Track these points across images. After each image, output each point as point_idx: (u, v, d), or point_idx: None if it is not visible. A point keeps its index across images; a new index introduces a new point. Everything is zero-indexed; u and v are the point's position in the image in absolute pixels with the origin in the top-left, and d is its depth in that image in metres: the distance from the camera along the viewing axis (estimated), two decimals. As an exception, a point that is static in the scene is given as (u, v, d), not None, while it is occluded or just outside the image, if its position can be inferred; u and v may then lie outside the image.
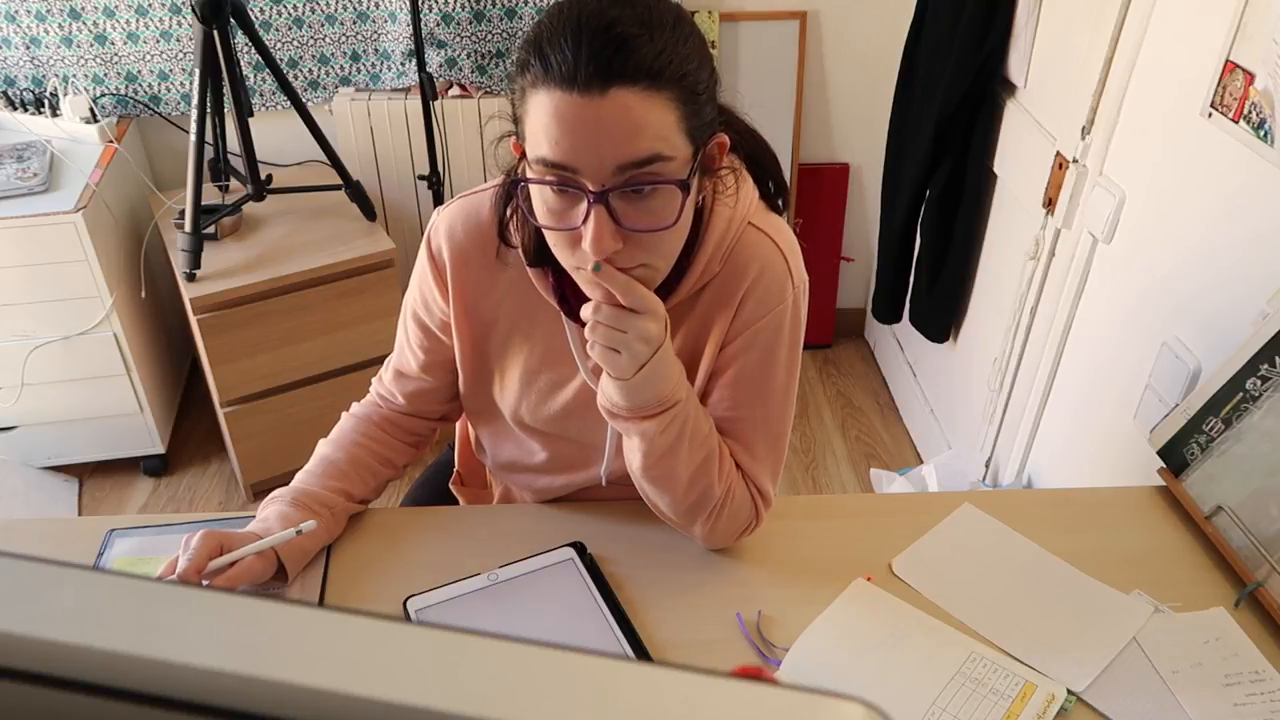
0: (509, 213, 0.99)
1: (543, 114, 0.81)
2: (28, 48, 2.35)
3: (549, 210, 0.86)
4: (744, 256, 0.99)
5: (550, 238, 0.89)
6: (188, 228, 2.02)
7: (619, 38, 0.78)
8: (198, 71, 1.96)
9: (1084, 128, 1.64)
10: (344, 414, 1.19)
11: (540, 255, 0.98)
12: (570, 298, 0.99)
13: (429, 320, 1.09)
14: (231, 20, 1.97)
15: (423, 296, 1.08)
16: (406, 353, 1.14)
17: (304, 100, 2.21)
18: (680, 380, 0.96)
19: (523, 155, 0.87)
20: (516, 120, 0.87)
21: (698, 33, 0.86)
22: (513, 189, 0.93)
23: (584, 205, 0.83)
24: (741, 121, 1.02)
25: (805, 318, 1.05)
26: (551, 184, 0.84)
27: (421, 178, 2.42)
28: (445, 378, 1.14)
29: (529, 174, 0.86)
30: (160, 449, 2.41)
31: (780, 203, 1.06)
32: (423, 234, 1.07)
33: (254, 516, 1.06)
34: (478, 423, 1.18)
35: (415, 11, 2.17)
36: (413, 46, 2.25)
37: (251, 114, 2.15)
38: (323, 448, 1.15)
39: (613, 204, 0.83)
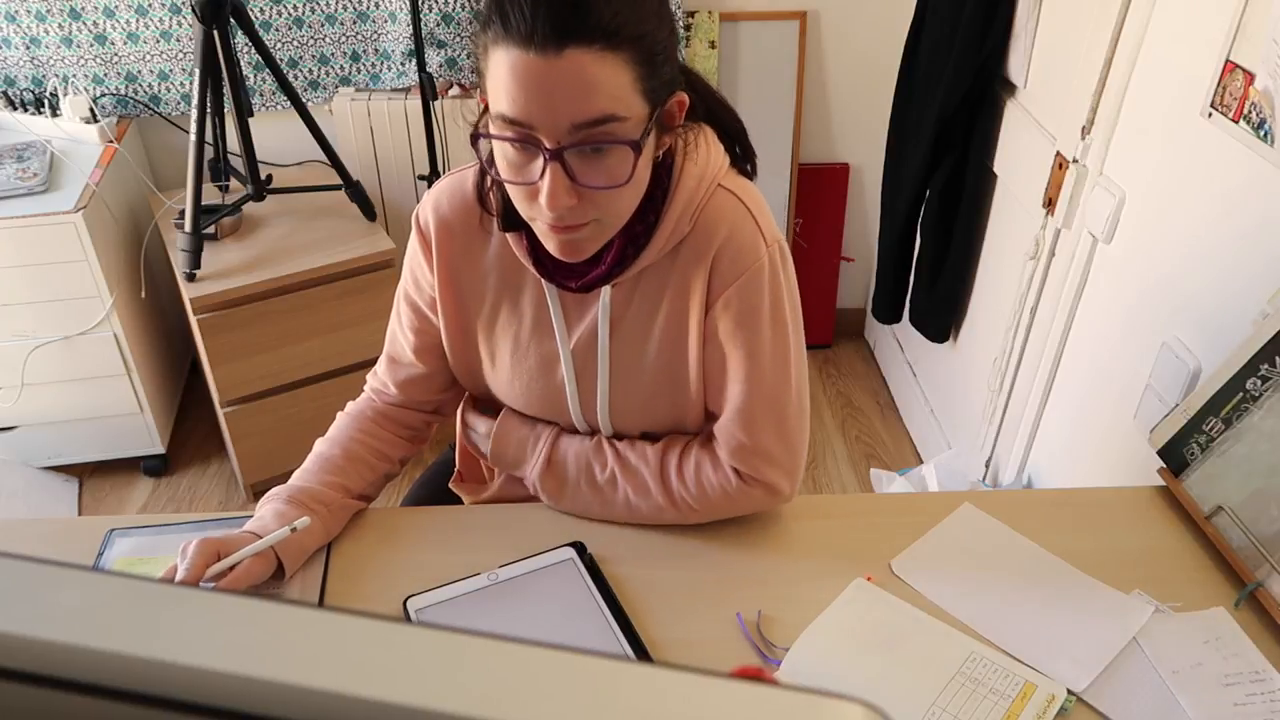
0: (488, 181, 1.01)
1: (502, 71, 0.82)
2: (28, 48, 2.35)
3: (509, 164, 0.88)
4: (712, 217, 0.99)
5: (512, 191, 0.92)
6: (188, 228, 2.02)
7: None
8: (198, 71, 1.96)
9: (1084, 128, 1.64)
10: (339, 413, 1.20)
11: (512, 219, 0.99)
12: (545, 260, 1.01)
13: (419, 298, 1.11)
14: (231, 20, 1.97)
15: (413, 274, 1.10)
16: (400, 338, 1.16)
17: (304, 100, 2.21)
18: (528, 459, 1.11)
19: (486, 108, 0.89)
20: (479, 74, 0.88)
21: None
22: (475, 141, 0.95)
23: (541, 161, 0.85)
24: (702, 82, 1.03)
25: (792, 280, 1.04)
26: (510, 140, 0.86)
27: (421, 178, 2.42)
28: (436, 364, 1.15)
29: (491, 129, 0.88)
30: (160, 449, 2.41)
31: (749, 168, 1.07)
32: None
33: (250, 516, 1.06)
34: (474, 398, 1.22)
35: (415, 11, 2.17)
36: (413, 46, 2.25)
37: (251, 114, 2.15)
38: (319, 445, 1.16)
39: (568, 161, 0.85)
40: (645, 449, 1.10)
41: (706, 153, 0.99)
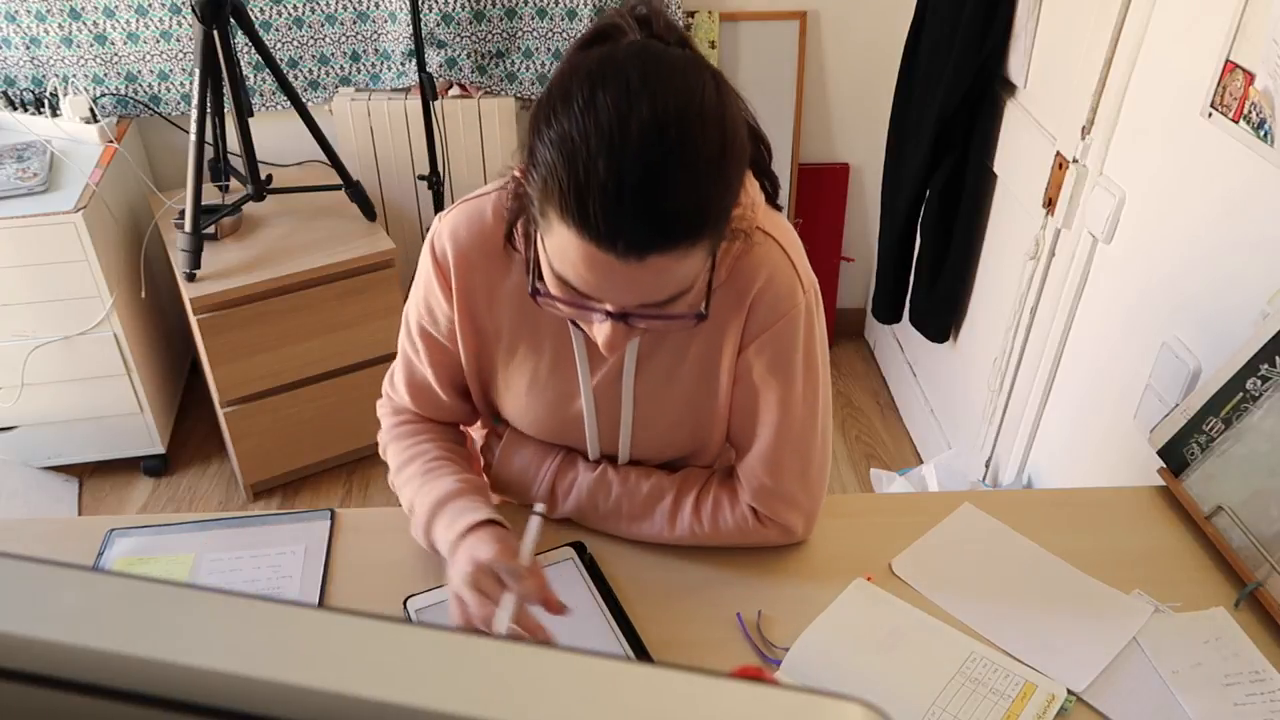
0: (516, 225, 0.96)
1: (571, 251, 0.78)
2: (28, 48, 2.35)
3: (564, 294, 0.84)
4: (752, 262, 0.97)
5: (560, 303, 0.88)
6: (188, 228, 2.02)
7: (663, 215, 0.75)
8: (198, 71, 1.96)
9: (1084, 128, 1.64)
10: (390, 445, 1.13)
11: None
12: None
13: (435, 330, 1.06)
14: (231, 20, 1.97)
15: (427, 305, 1.04)
16: (422, 372, 1.09)
17: (304, 100, 2.21)
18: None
19: (532, 247, 0.85)
20: (529, 214, 0.83)
21: (740, 135, 0.80)
22: (518, 217, 0.91)
23: (602, 312, 0.83)
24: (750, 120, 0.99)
25: (823, 323, 1.02)
26: (569, 304, 0.83)
27: (421, 178, 2.42)
28: (459, 401, 1.11)
29: (550, 284, 0.84)
30: (160, 449, 2.41)
31: (775, 194, 1.05)
32: (423, 235, 1.07)
33: (253, 516, 1.06)
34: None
35: (415, 11, 2.17)
36: (413, 46, 2.25)
37: (251, 114, 2.15)
38: (405, 470, 1.09)
39: (630, 318, 0.84)
40: (661, 484, 1.08)
41: (747, 199, 0.94)
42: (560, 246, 0.79)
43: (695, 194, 0.76)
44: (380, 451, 1.15)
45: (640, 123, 0.73)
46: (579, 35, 0.87)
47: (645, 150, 0.73)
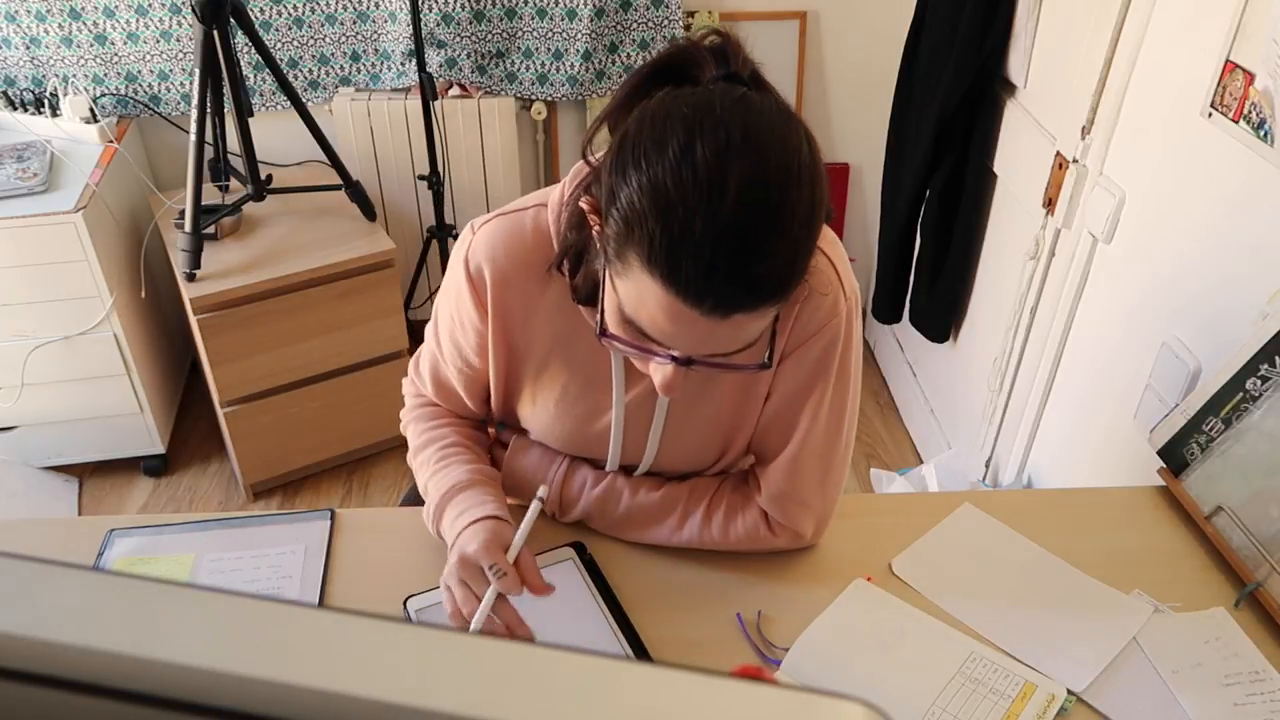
0: (568, 252, 0.93)
1: (652, 300, 0.76)
2: (28, 48, 2.35)
3: (625, 332, 0.83)
4: None
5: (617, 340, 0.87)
6: (188, 228, 2.02)
7: (756, 279, 0.74)
8: (198, 71, 1.96)
9: (1084, 128, 1.64)
10: (410, 425, 1.14)
11: (592, 296, 0.93)
12: None
13: (465, 342, 1.04)
14: (231, 20, 1.97)
15: (458, 315, 1.02)
16: (446, 371, 1.09)
17: (304, 100, 2.21)
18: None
19: (598, 290, 0.85)
20: (605, 253, 0.80)
21: (827, 191, 0.79)
22: (575, 248, 0.90)
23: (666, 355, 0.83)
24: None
25: (859, 333, 1.01)
26: (635, 346, 0.83)
27: (421, 178, 2.42)
28: (484, 398, 1.11)
29: (617, 326, 0.84)
30: (160, 449, 2.41)
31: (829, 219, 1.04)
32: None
33: (253, 516, 1.06)
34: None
35: (415, 11, 2.17)
36: (413, 46, 2.25)
37: (251, 114, 2.15)
38: (425, 452, 1.10)
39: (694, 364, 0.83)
40: (671, 494, 1.08)
41: None
42: (639, 294, 0.77)
43: (788, 256, 0.75)
44: (401, 428, 1.16)
45: (740, 182, 0.71)
46: (647, 63, 0.85)
47: (744, 212, 0.71)
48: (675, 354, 0.81)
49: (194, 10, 1.90)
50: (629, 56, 2.53)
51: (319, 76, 2.50)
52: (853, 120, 2.71)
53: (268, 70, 2.11)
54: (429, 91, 2.25)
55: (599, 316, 0.86)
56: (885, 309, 2.56)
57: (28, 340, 2.15)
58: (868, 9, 2.54)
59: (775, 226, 0.73)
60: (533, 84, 2.53)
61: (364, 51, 2.49)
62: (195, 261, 2.06)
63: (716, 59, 0.82)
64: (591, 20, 2.43)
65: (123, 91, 2.44)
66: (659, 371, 0.84)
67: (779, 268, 0.75)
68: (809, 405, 1.00)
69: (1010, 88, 1.98)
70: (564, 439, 1.08)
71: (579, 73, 2.50)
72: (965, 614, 1.03)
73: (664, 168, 0.72)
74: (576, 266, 0.93)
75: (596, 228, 0.81)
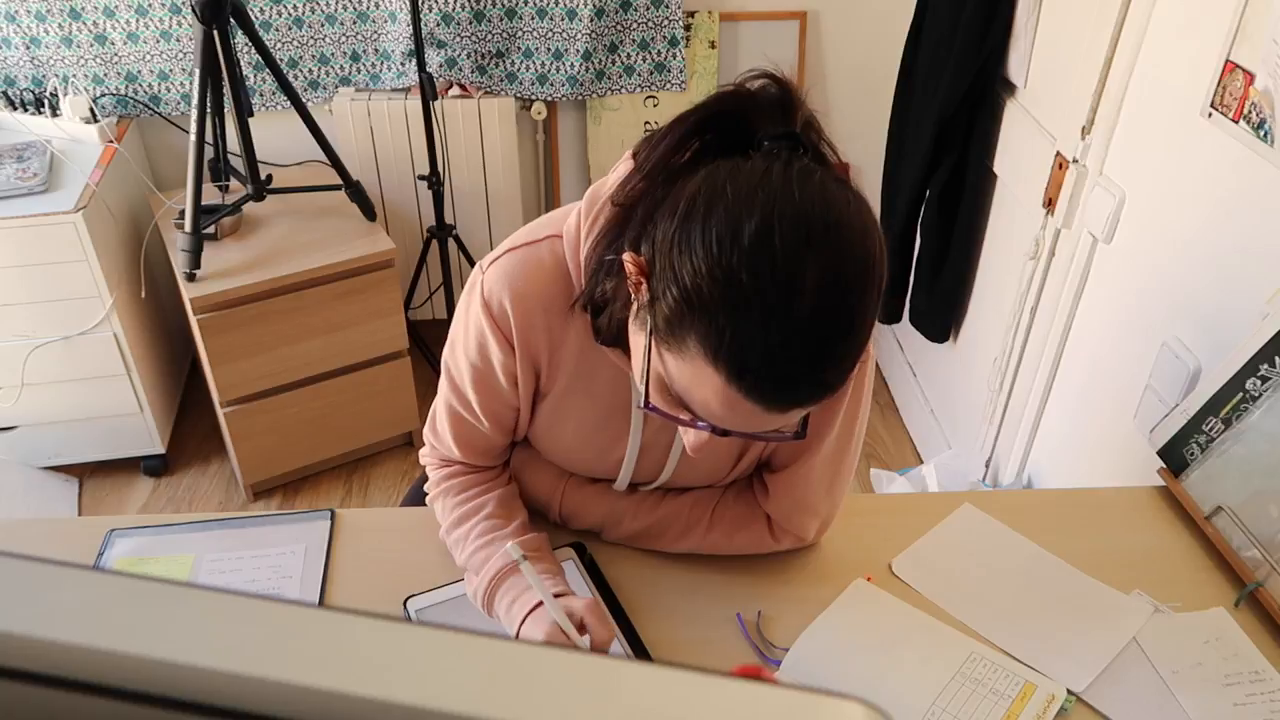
0: (594, 294, 0.89)
1: (708, 387, 0.73)
2: (28, 48, 2.35)
3: (671, 403, 0.80)
4: None
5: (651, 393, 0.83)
6: (188, 228, 2.02)
7: (823, 382, 0.73)
8: (198, 71, 1.96)
9: (1084, 128, 1.64)
10: (438, 502, 1.10)
11: (615, 339, 0.91)
12: None
13: (492, 380, 0.99)
14: (231, 20, 1.97)
15: (482, 357, 0.98)
16: (475, 427, 1.05)
17: (304, 100, 2.21)
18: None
19: (646, 360, 0.80)
20: (657, 326, 0.75)
21: (880, 288, 0.75)
22: (607, 299, 0.87)
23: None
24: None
25: (874, 352, 0.99)
26: (682, 421, 0.80)
27: (421, 178, 2.42)
28: (511, 437, 1.09)
29: (660, 397, 0.81)
30: (160, 449, 2.41)
31: None
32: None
33: (253, 516, 1.06)
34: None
35: (415, 11, 2.17)
36: (413, 46, 2.25)
37: (251, 114, 2.15)
38: (460, 529, 1.05)
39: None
40: (675, 508, 1.08)
41: None
42: (695, 377, 0.74)
43: (855, 356, 0.73)
44: (428, 501, 1.12)
45: (818, 281, 0.68)
46: (697, 107, 0.80)
47: (820, 318, 0.69)
48: (715, 426, 0.79)
49: (194, 10, 1.90)
50: (629, 56, 2.53)
51: (319, 76, 2.50)
52: (852, 120, 2.71)
53: (268, 70, 2.11)
54: (429, 91, 2.25)
55: (643, 386, 0.81)
56: (885, 309, 2.56)
57: (28, 340, 2.15)
58: (868, 9, 2.54)
59: (850, 332, 0.71)
60: (533, 84, 2.53)
61: (364, 51, 2.49)
62: (195, 261, 2.06)
63: (772, 111, 0.78)
64: (591, 20, 2.43)
65: (123, 91, 2.44)
66: (693, 434, 0.82)
67: (847, 369, 0.73)
68: (825, 420, 1.00)
69: (1010, 88, 1.98)
70: (577, 465, 1.08)
71: (579, 73, 2.50)
72: (965, 614, 1.03)
73: (737, 254, 0.68)
74: (599, 308, 0.89)
75: (638, 285, 0.77)
